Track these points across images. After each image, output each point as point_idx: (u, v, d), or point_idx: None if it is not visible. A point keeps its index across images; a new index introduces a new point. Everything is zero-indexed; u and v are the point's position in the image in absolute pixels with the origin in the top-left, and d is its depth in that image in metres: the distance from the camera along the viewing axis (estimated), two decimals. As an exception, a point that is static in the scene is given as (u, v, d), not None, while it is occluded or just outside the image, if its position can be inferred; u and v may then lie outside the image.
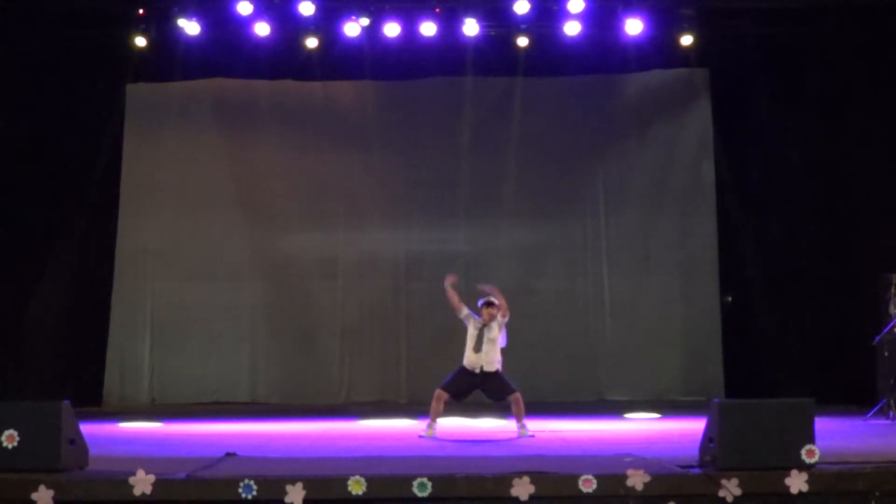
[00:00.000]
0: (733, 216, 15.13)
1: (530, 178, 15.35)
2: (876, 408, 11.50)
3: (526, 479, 6.47)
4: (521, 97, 15.36)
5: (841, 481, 6.62)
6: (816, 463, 6.71)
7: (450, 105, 15.40)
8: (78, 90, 14.68)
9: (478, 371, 9.98)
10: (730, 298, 15.08)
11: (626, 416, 12.40)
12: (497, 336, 10.06)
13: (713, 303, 15.13)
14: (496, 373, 10.03)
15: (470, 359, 10.02)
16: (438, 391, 9.95)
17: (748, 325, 14.78)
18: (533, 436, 9.84)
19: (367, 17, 13.66)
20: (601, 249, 15.35)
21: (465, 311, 10.19)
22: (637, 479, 6.48)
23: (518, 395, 9.97)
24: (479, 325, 10.04)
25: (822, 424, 7.03)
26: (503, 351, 10.15)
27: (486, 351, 9.98)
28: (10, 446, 6.77)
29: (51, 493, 6.40)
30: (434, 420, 9.92)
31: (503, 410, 12.85)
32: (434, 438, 9.75)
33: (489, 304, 10.07)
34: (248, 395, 15.03)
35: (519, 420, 10.02)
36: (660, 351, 15.04)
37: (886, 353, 11.72)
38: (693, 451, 7.12)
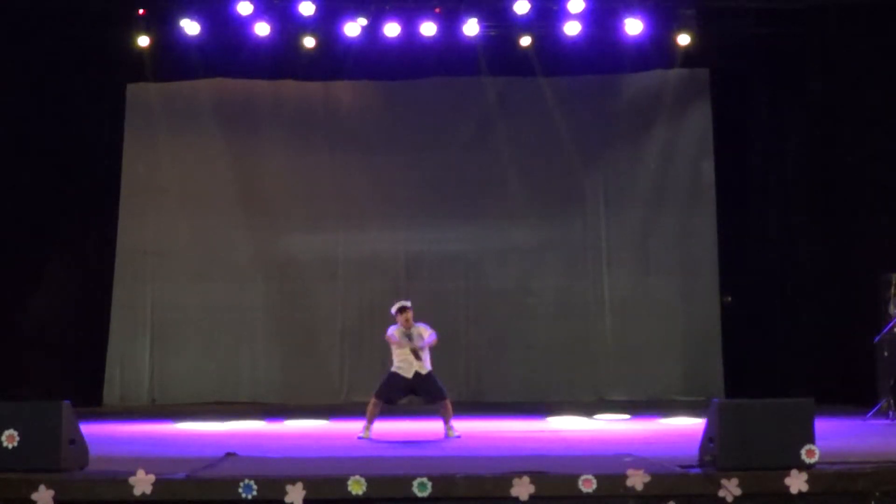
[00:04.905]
0: (733, 216, 15.12)
1: (530, 178, 15.35)
2: (876, 408, 11.50)
3: (526, 479, 6.48)
4: (520, 97, 15.36)
5: (841, 481, 6.63)
6: (816, 463, 6.71)
7: (450, 105, 15.39)
8: (78, 90, 14.67)
9: (411, 376, 10.01)
10: (730, 298, 15.06)
11: (620, 415, 12.39)
12: (427, 341, 10.09)
13: (713, 303, 15.12)
14: (429, 374, 10.07)
15: (404, 365, 10.04)
16: (374, 399, 10.02)
17: (748, 325, 14.78)
18: (459, 436, 9.88)
19: (366, 17, 13.64)
20: (601, 249, 15.34)
21: (392, 337, 10.17)
22: (637, 479, 6.48)
23: (448, 401, 10.06)
24: (404, 332, 10.05)
25: (822, 424, 7.03)
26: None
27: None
28: (10, 446, 6.78)
29: (51, 493, 6.40)
30: (370, 422, 9.98)
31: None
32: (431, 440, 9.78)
33: (402, 310, 10.11)
34: (248, 395, 15.03)
35: (447, 422, 10.06)
36: (660, 351, 15.04)
37: (886, 353, 11.70)
38: (693, 451, 7.12)
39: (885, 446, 8.59)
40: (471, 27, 13.83)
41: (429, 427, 10.54)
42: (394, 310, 10.19)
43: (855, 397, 12.54)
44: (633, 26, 13.72)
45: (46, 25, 13.93)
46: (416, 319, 10.21)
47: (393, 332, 10.14)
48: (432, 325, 10.28)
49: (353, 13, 13.64)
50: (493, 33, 14.23)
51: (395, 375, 10.07)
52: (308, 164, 15.40)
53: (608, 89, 15.40)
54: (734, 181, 15.15)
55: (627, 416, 12.30)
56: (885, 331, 11.70)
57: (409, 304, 10.20)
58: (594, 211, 15.38)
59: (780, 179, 14.93)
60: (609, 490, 6.49)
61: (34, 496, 6.39)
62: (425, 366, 10.05)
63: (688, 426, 10.45)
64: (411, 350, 10.00)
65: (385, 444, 9.48)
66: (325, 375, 15.07)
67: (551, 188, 15.34)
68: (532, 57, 14.65)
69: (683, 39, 14.02)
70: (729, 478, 6.53)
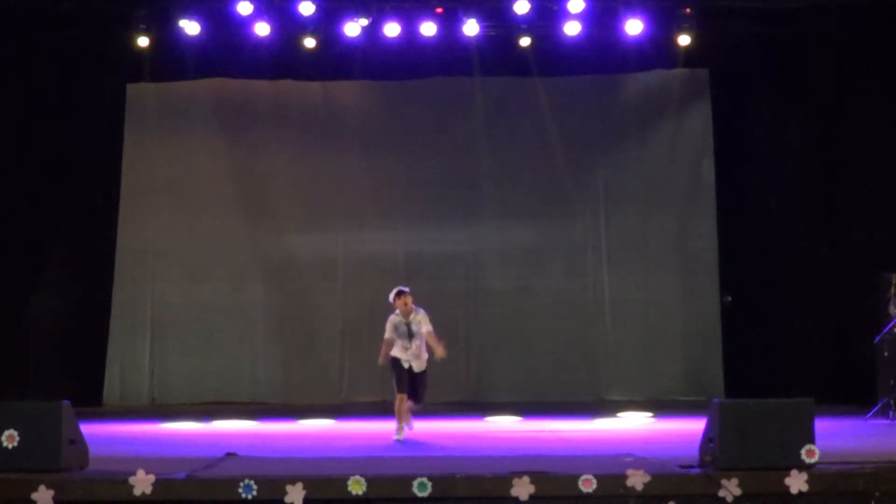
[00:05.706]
0: (733, 216, 15.12)
1: (530, 178, 15.34)
2: (876, 408, 11.50)
3: (526, 479, 6.48)
4: (520, 97, 15.35)
5: (841, 481, 6.64)
6: (816, 463, 6.72)
7: (450, 105, 15.39)
8: (78, 90, 14.67)
9: (407, 367, 9.98)
10: (730, 298, 15.06)
11: (620, 415, 12.40)
12: (423, 332, 9.99)
13: (713, 303, 15.12)
14: (423, 373, 10.06)
15: (404, 355, 10.00)
16: (399, 396, 9.93)
17: (748, 324, 14.78)
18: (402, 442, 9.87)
19: (367, 17, 13.64)
20: (601, 249, 15.34)
21: (388, 334, 10.10)
22: (637, 479, 6.49)
23: (418, 408, 10.12)
24: (403, 321, 9.99)
25: (822, 424, 7.04)
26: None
27: (416, 346, 9.99)
28: (10, 446, 6.79)
29: (51, 493, 6.41)
30: (401, 422, 9.91)
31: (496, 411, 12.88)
32: (429, 440, 9.79)
33: (400, 294, 10.04)
34: (248, 395, 15.02)
35: (406, 420, 10.02)
36: (660, 351, 15.03)
37: (886, 353, 11.71)
38: (693, 451, 7.13)
39: (886, 446, 8.60)
40: (471, 27, 13.83)
41: (429, 427, 10.54)
42: (391, 296, 10.14)
43: (855, 397, 12.55)
44: (633, 26, 13.72)
45: (46, 26, 13.93)
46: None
47: (388, 330, 10.04)
48: (432, 325, 10.23)
49: (353, 13, 13.64)
50: (493, 33, 14.24)
51: (398, 362, 9.99)
52: (308, 164, 15.39)
53: (608, 89, 15.39)
54: (734, 181, 15.15)
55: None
56: (885, 331, 11.70)
57: (406, 289, 10.14)
58: (594, 211, 15.37)
59: (780, 179, 14.93)
60: (609, 490, 6.49)
61: (34, 496, 6.40)
62: (423, 365, 10.03)
63: (688, 426, 10.45)
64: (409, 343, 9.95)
65: (385, 444, 9.48)
66: (325, 375, 15.07)
67: (551, 188, 15.33)
68: (532, 57, 14.65)
69: (683, 39, 14.02)
70: (729, 478, 6.53)
